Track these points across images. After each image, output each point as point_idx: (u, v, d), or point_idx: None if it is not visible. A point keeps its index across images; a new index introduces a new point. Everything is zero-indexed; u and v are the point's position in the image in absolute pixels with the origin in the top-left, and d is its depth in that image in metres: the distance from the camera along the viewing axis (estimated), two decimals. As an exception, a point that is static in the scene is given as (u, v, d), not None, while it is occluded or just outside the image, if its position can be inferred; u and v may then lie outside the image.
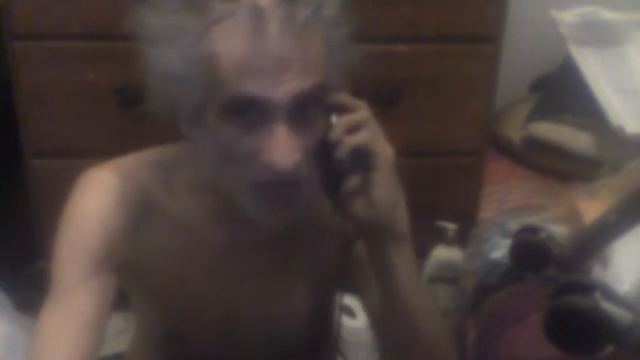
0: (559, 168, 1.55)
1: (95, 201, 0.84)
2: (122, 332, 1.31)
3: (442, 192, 1.59)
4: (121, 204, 0.84)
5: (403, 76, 1.48)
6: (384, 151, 0.79)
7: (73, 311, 0.81)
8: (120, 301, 0.90)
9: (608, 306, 0.79)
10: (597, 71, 1.51)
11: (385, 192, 0.79)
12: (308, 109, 0.74)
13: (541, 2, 1.59)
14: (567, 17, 1.55)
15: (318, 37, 0.74)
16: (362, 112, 0.79)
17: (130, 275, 0.89)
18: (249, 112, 0.72)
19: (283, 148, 0.72)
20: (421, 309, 0.86)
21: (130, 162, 0.88)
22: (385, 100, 1.48)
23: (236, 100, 0.72)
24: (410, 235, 0.89)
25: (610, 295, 0.80)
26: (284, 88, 0.71)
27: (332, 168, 0.78)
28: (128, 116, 1.42)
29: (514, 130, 1.63)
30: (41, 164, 1.53)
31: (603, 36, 1.55)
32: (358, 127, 0.77)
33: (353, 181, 0.79)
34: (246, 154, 0.74)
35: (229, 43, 0.71)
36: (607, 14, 1.56)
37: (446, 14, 1.45)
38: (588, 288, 0.81)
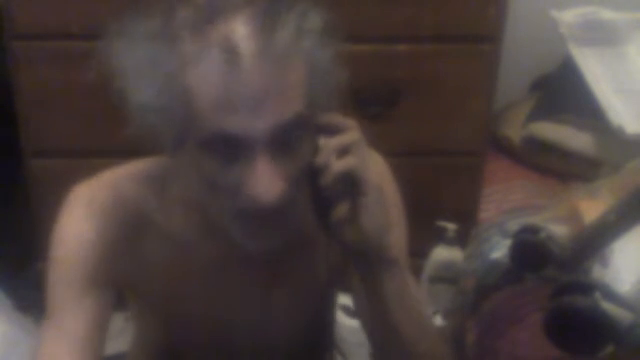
0: (559, 168, 1.55)
1: (81, 223, 0.83)
2: (122, 332, 1.31)
3: (442, 192, 1.59)
4: (109, 224, 0.83)
5: (403, 76, 1.48)
6: (373, 176, 0.76)
7: (65, 333, 0.82)
8: (120, 301, 0.90)
9: (608, 306, 0.79)
10: (597, 71, 1.51)
11: (374, 218, 0.77)
12: (291, 136, 0.72)
13: (541, 2, 1.59)
14: (567, 17, 1.55)
15: (298, 64, 0.71)
16: (351, 134, 0.75)
17: (127, 288, 0.89)
18: (229, 146, 0.70)
19: (265, 181, 0.70)
20: (413, 331, 0.86)
21: (121, 176, 0.87)
22: (385, 100, 1.48)
23: (215, 135, 0.70)
24: (404, 255, 0.88)
25: (610, 295, 0.80)
26: (262, 122, 0.69)
27: (320, 193, 0.76)
28: (128, 116, 1.42)
29: (514, 130, 1.64)
30: (41, 164, 1.53)
31: (603, 36, 1.55)
32: (346, 150, 0.74)
33: (341, 207, 0.76)
34: (228, 186, 0.73)
35: (203, 80, 0.68)
36: (607, 14, 1.56)
37: (446, 14, 1.45)
38: (588, 288, 0.81)
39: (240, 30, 0.68)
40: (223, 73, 0.67)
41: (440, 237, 1.57)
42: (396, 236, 0.86)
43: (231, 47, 0.67)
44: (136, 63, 0.71)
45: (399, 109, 1.50)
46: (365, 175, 0.75)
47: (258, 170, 0.71)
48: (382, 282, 0.82)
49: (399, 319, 0.85)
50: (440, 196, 1.58)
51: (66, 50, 1.43)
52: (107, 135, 1.47)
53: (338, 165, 0.74)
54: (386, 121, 1.48)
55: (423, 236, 1.26)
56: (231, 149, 0.71)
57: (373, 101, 1.47)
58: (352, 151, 0.74)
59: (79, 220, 0.84)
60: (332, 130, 0.76)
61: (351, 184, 0.75)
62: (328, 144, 0.74)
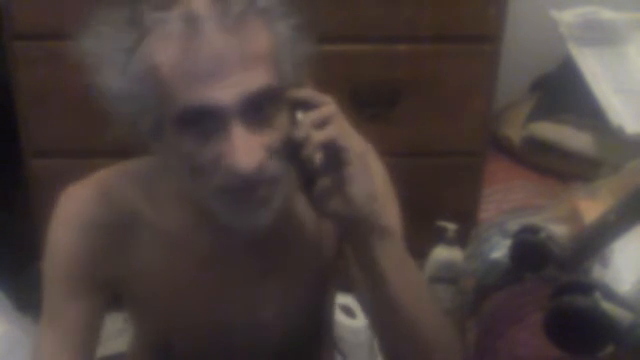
0: (559, 168, 1.55)
1: (73, 226, 0.84)
2: (122, 332, 1.31)
3: (442, 192, 1.59)
4: (100, 227, 0.84)
5: (403, 76, 1.48)
6: (355, 145, 0.76)
7: (60, 332, 0.85)
8: (119, 302, 0.91)
9: (608, 306, 0.79)
10: (597, 71, 1.51)
11: (360, 186, 0.76)
12: (264, 108, 0.73)
13: (541, 2, 1.59)
14: (567, 17, 1.55)
15: (259, 32, 0.72)
16: (328, 107, 0.76)
17: (120, 287, 0.90)
18: (203, 121, 0.71)
19: (241, 150, 0.71)
20: (414, 304, 0.84)
21: (111, 176, 0.87)
22: (385, 100, 1.48)
23: (186, 111, 0.70)
24: (398, 228, 0.87)
25: (610, 295, 0.80)
26: (230, 90, 0.69)
27: (304, 166, 0.76)
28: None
29: (514, 130, 1.63)
30: (41, 164, 1.53)
31: (603, 36, 1.55)
32: (325, 123, 0.75)
33: (326, 178, 0.76)
34: (208, 163, 0.73)
35: (166, 52, 0.69)
36: (607, 14, 1.56)
37: (446, 14, 1.45)
38: (588, 288, 0.81)
39: (200, 2, 0.69)
40: (183, 42, 0.68)
41: (440, 237, 1.57)
42: (388, 208, 0.85)
43: (189, 16, 0.68)
44: (101, 52, 0.73)
45: (399, 109, 1.50)
46: (347, 144, 0.75)
47: (234, 140, 0.71)
48: (377, 253, 0.80)
49: (399, 292, 0.82)
50: (440, 196, 1.58)
51: (66, 50, 1.43)
52: (107, 135, 1.47)
53: (318, 136, 0.74)
54: (386, 121, 1.48)
55: (423, 236, 1.26)
56: (205, 124, 0.71)
57: (373, 101, 1.47)
58: (331, 122, 0.75)
59: (70, 223, 0.85)
60: (308, 105, 0.76)
61: (334, 155, 0.75)
62: (306, 117, 0.75)
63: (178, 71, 0.69)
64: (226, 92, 0.69)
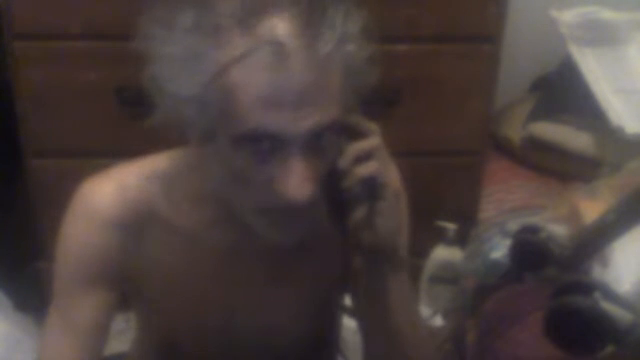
0: (559, 168, 1.55)
1: (89, 219, 0.84)
2: (122, 332, 1.31)
3: (442, 192, 1.59)
4: (117, 221, 0.84)
5: (403, 76, 1.48)
6: (392, 181, 0.78)
7: (69, 326, 0.85)
8: (121, 302, 0.91)
9: (608, 306, 0.79)
10: (597, 71, 1.51)
11: (389, 222, 0.78)
12: (324, 138, 0.72)
13: (541, 2, 1.59)
14: (567, 17, 1.55)
15: (338, 68, 0.71)
16: (373, 139, 0.76)
17: (130, 285, 0.90)
18: (264, 142, 0.71)
19: (298, 181, 0.71)
20: (413, 335, 0.88)
21: (131, 173, 0.87)
22: (385, 100, 1.48)
23: (253, 133, 0.70)
24: (407, 259, 0.89)
25: (610, 295, 0.81)
26: (302, 123, 0.69)
27: (339, 194, 0.77)
28: (128, 116, 1.42)
29: (514, 130, 1.63)
30: (41, 164, 1.53)
31: (603, 36, 1.55)
32: (369, 155, 0.75)
33: (359, 210, 0.77)
34: (258, 182, 0.73)
35: (249, 77, 0.68)
36: (607, 14, 1.56)
37: (446, 14, 1.45)
38: (588, 288, 0.81)
39: (287, 27, 0.67)
40: (269, 72, 0.67)
41: (440, 237, 1.57)
42: (404, 238, 0.87)
43: (279, 44, 0.66)
44: (178, 52, 0.70)
45: (399, 109, 1.50)
46: (385, 180, 0.76)
47: (292, 170, 0.71)
48: (388, 282, 0.83)
49: (401, 322, 0.85)
50: (440, 196, 1.58)
51: (66, 50, 1.43)
52: (107, 135, 1.47)
53: (361, 170, 0.75)
54: (386, 121, 1.47)
55: (423, 236, 1.26)
56: (265, 145, 0.71)
57: (373, 101, 1.47)
58: (374, 156, 0.75)
59: (87, 218, 0.85)
60: (356, 132, 0.76)
61: (370, 188, 0.76)
62: (352, 148, 0.75)
63: (256, 98, 0.68)
64: (298, 124, 0.69)
